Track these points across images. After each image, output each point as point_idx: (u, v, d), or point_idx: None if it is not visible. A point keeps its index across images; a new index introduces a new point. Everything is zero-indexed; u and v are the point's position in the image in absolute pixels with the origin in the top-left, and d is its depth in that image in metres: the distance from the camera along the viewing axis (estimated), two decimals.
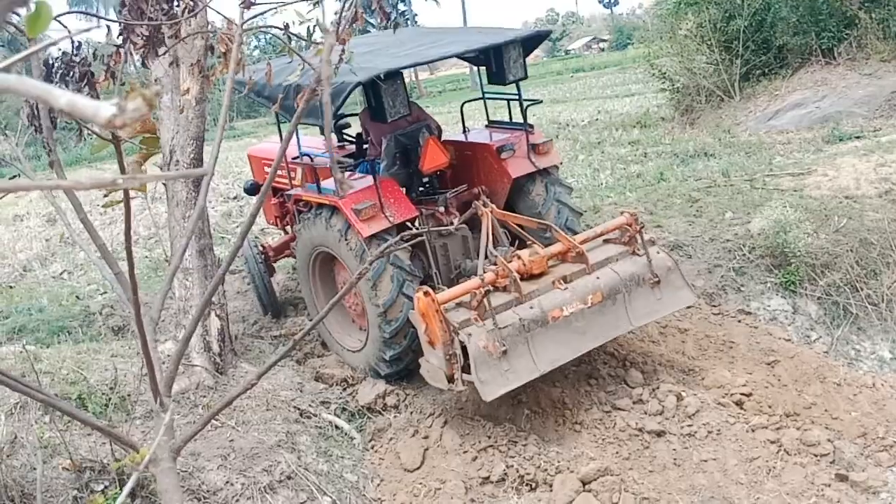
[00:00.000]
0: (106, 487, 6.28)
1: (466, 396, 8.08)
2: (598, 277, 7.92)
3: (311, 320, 9.83)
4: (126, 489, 2.14)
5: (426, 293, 7.28)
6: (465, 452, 7.55)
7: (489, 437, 7.63)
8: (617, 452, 7.45)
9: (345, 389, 8.84)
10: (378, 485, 7.57)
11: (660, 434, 7.59)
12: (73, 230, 4.12)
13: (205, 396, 7.76)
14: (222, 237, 14.44)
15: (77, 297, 11.58)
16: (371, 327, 8.50)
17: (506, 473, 7.25)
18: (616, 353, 8.73)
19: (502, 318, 7.41)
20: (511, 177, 9.02)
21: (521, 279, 7.76)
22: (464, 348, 7.26)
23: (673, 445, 7.48)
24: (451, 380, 7.34)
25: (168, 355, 7.95)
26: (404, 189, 8.82)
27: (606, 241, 8.43)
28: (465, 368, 7.25)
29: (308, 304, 9.74)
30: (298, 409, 8.16)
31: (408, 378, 8.71)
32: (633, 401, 8.00)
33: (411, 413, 8.33)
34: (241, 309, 10.92)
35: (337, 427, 8.19)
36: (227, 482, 6.85)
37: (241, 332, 9.94)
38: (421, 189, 9.35)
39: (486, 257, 8.17)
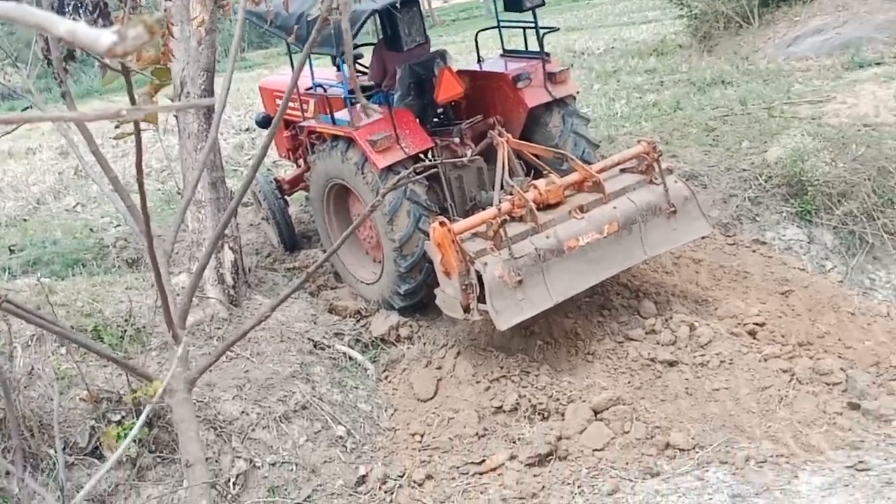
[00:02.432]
0: (123, 418, 6.40)
1: (479, 328, 8.14)
2: (614, 207, 7.93)
3: (324, 253, 9.89)
4: (140, 419, 2.19)
5: (442, 223, 7.31)
6: (477, 382, 7.63)
7: (501, 368, 7.70)
8: (629, 382, 7.52)
9: (358, 321, 8.91)
10: (392, 414, 7.68)
11: (672, 364, 7.64)
12: (85, 163, 4.14)
13: (219, 328, 7.85)
14: (234, 170, 14.43)
15: (91, 229, 11.64)
16: (386, 261, 8.54)
17: (518, 403, 7.33)
18: (629, 284, 8.75)
19: (518, 247, 7.45)
20: (527, 106, 8.95)
21: (538, 209, 7.78)
22: (479, 278, 7.31)
23: (685, 375, 7.54)
24: (466, 310, 7.42)
25: (182, 288, 8.02)
26: (419, 120, 8.79)
27: (623, 171, 8.40)
28: (481, 298, 7.31)
29: (322, 236, 9.78)
30: (312, 340, 8.25)
31: (421, 310, 8.77)
32: (645, 331, 8.04)
33: (424, 344, 8.40)
34: (255, 241, 10.97)
35: (350, 358, 8.29)
36: (243, 412, 6.97)
37: (255, 264, 9.99)
38: (435, 120, 9.31)
39: (502, 187, 8.16)
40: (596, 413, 7.11)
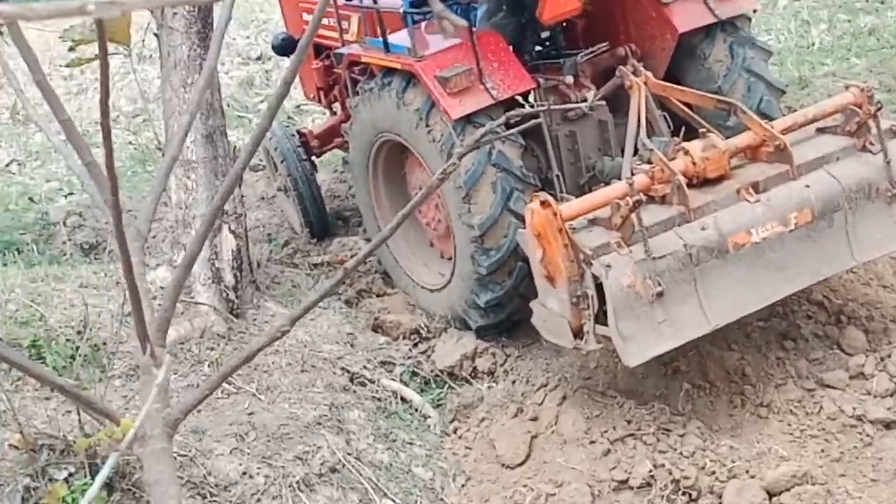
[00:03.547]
0: (71, 475, 6.48)
1: (597, 361, 8.09)
2: (807, 186, 7.77)
3: (368, 242, 9.93)
4: (100, 477, 2.21)
5: (544, 203, 7.22)
6: (591, 443, 7.59)
7: (629, 423, 7.65)
8: (822, 451, 7.41)
9: (416, 345, 8.94)
10: (463, 485, 7.68)
11: (889, 425, 7.51)
12: (25, 99, 4.21)
13: (213, 349, 7.93)
14: (240, 116, 14.61)
15: (31, 199, 11.89)
16: (460, 257, 8.60)
17: (653, 476, 7.27)
18: (826, 303, 8.62)
19: (658, 242, 7.33)
20: (677, 31, 8.91)
21: (690, 186, 7.65)
22: (599, 287, 7.20)
23: None
24: (577, 334, 7.36)
25: (162, 287, 8.13)
26: (513, 48, 8.81)
27: (822, 131, 8.26)
28: (600, 318, 7.23)
29: (365, 216, 9.85)
30: (348, 371, 8.29)
31: (509, 332, 8.76)
32: (850, 375, 7.92)
33: (513, 382, 8.39)
34: (267, 222, 11.08)
35: (404, 400, 8.31)
36: (245, 473, 7.02)
37: (267, 256, 10.08)
38: (539, 49, 9.33)
39: (636, 152, 8.08)
40: (771, 496, 7.01)
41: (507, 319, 8.64)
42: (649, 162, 7.81)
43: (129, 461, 6.19)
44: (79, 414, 6.59)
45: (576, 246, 7.27)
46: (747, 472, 7.20)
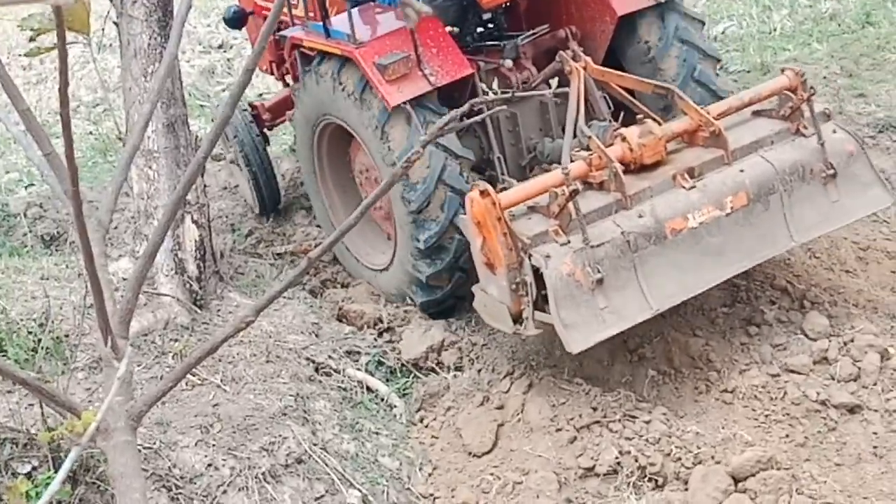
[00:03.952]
0: (34, 469, 6.44)
1: (560, 349, 8.10)
2: (741, 170, 7.95)
3: (318, 227, 10.10)
4: (62, 471, 2.19)
5: (484, 192, 7.33)
6: (558, 430, 7.61)
7: (595, 410, 7.67)
8: (787, 436, 7.45)
9: (381, 334, 8.93)
10: (430, 475, 7.68)
11: (853, 410, 7.55)
12: None
13: (176, 340, 7.90)
14: (201, 105, 14.53)
15: None
16: (400, 234, 8.77)
17: (619, 463, 7.29)
18: (790, 288, 8.66)
19: (596, 230, 7.48)
20: (616, 14, 9.05)
21: (627, 171, 7.79)
22: (537, 274, 7.35)
23: (872, 427, 7.45)
24: (517, 319, 7.51)
25: (124, 278, 8.08)
26: (455, 31, 9.03)
27: (757, 114, 8.43)
28: (540, 303, 7.38)
29: (313, 201, 9.95)
30: (313, 361, 8.27)
31: (460, 311, 8.89)
32: (813, 360, 7.95)
33: (479, 371, 8.39)
34: (231, 212, 11.03)
35: (369, 389, 8.30)
36: (210, 465, 7.00)
37: (230, 246, 10.04)
38: (479, 31, 9.47)
39: (575, 136, 8.21)
40: (737, 481, 7.03)
41: (451, 295, 8.70)
42: (587, 148, 7.95)
43: (93, 454, 6.16)
44: (41, 407, 6.55)
45: (514, 234, 7.41)
46: (713, 457, 7.23)
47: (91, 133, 13.66)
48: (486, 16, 9.35)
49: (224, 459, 7.07)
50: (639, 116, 8.31)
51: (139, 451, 5.79)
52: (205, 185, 9.15)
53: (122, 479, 3.34)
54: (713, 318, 8.36)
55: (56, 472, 6.26)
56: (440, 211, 8.30)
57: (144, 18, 8.15)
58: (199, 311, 8.27)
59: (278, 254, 10.01)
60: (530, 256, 7.35)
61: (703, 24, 9.59)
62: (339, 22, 8.79)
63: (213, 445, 7.13)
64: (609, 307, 7.36)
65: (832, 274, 8.94)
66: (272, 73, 11.52)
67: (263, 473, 7.09)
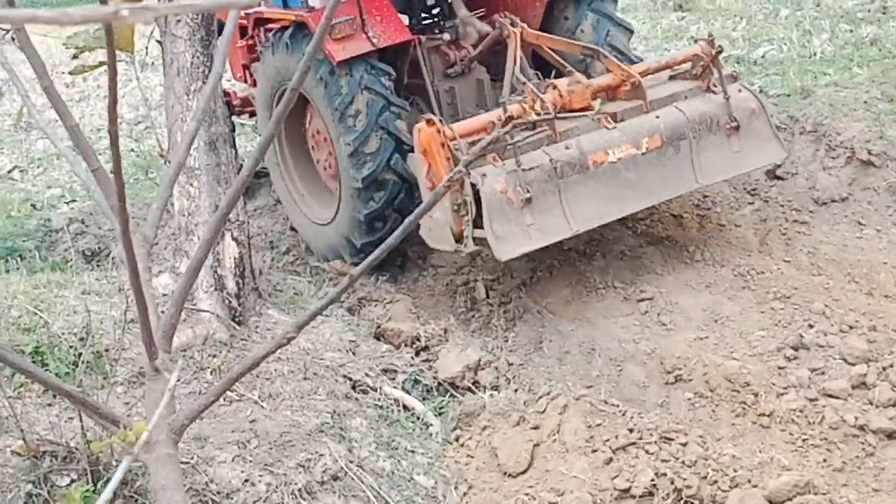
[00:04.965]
0: (73, 481, 6.48)
1: (599, 370, 8.09)
2: (657, 116, 8.85)
3: (278, 201, 11.19)
4: (114, 480, 2.20)
5: (430, 122, 8.24)
6: (593, 452, 7.59)
7: (631, 431, 7.65)
8: (825, 461, 7.41)
9: (418, 353, 8.94)
10: (465, 494, 7.67)
11: (891, 435, 7.51)
12: (31, 105, 4.22)
13: (215, 356, 7.92)
14: (243, 124, 14.60)
15: (33, 206, 11.88)
16: (342, 178, 9.46)
17: (655, 485, 7.26)
18: (828, 311, 8.62)
19: (528, 158, 8.36)
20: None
21: (558, 116, 8.68)
22: (476, 195, 8.17)
23: None
24: (458, 238, 8.35)
25: (164, 294, 8.13)
26: (407, 17, 9.87)
27: (673, 78, 9.46)
28: (478, 222, 8.13)
29: (272, 174, 10.72)
30: (350, 379, 8.28)
31: (396, 269, 9.86)
32: (851, 384, 7.91)
33: (515, 391, 8.39)
34: (270, 230, 11.07)
35: (406, 408, 8.30)
36: (247, 481, 7.01)
37: (269, 263, 10.08)
38: (424, 15, 10.30)
39: (513, 90, 9.14)
40: None
41: (388, 236, 9.05)
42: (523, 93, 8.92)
43: (132, 468, 6.19)
44: (81, 420, 6.58)
45: (456, 158, 8.20)
46: (749, 481, 7.20)
47: (133, 150, 13.74)
48: (431, 1, 10.24)
49: (260, 475, 7.09)
50: (567, 70, 9.26)
51: (180, 465, 5.80)
52: (245, 204, 9.21)
53: (164, 492, 3.36)
54: (751, 341, 8.34)
55: (94, 484, 6.30)
56: (376, 150, 9.08)
57: (188, 37, 8.22)
58: (237, 327, 8.30)
59: (315, 267, 10.18)
60: (469, 175, 8.11)
61: (616, 2, 10.74)
62: None
63: (250, 461, 7.15)
64: (535, 224, 8.30)
65: (871, 299, 8.90)
66: (245, 80, 11.95)
67: (299, 490, 7.10)
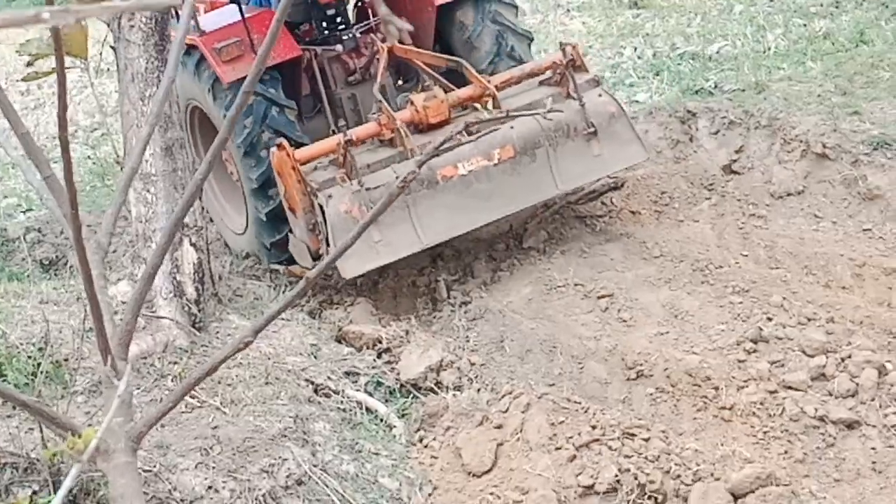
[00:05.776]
0: (35, 493, 6.43)
1: (561, 367, 8.10)
2: (511, 127, 9.02)
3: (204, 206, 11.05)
4: (63, 487, 2.19)
5: (280, 146, 8.57)
6: (557, 449, 7.59)
7: (594, 428, 7.66)
8: (786, 452, 7.45)
9: (380, 355, 8.92)
10: (430, 495, 7.66)
11: (851, 426, 7.56)
12: None
13: (176, 363, 7.89)
14: None
15: None
16: (244, 185, 9.72)
17: (618, 481, 7.28)
18: (786, 304, 8.67)
19: (375, 176, 8.69)
20: (434, 4, 10.18)
21: (419, 131, 8.99)
22: (324, 214, 8.51)
23: (871, 443, 7.45)
24: (316, 256, 8.66)
25: (123, 302, 8.07)
26: (305, 23, 10.21)
27: (541, 84, 9.64)
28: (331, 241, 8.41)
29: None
30: (312, 382, 8.26)
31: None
32: (811, 376, 7.96)
33: (478, 391, 8.39)
34: None
35: (369, 410, 8.29)
36: (211, 487, 6.98)
37: (228, 269, 10.05)
38: (325, 26, 10.43)
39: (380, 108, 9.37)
40: (736, 498, 7.04)
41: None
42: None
43: (93, 478, 6.15)
44: (41, 431, 6.55)
45: (306, 181, 8.63)
46: (712, 474, 7.23)
47: (89, 157, 13.68)
48: (331, 12, 10.34)
49: (224, 482, 7.06)
50: (426, 84, 9.53)
51: (139, 473, 5.78)
52: (203, 208, 9.19)
53: (123, 501, 3.34)
54: (710, 336, 8.37)
55: (56, 492, 6.25)
56: (266, 151, 9.18)
57: (141, 43, 8.18)
58: (197, 333, 8.26)
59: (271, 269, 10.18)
60: (317, 197, 8.47)
61: (517, 7, 10.76)
62: (203, 18, 10.07)
63: (213, 468, 7.12)
64: (383, 241, 8.62)
65: (829, 290, 8.95)
66: None
67: (264, 495, 7.07)
